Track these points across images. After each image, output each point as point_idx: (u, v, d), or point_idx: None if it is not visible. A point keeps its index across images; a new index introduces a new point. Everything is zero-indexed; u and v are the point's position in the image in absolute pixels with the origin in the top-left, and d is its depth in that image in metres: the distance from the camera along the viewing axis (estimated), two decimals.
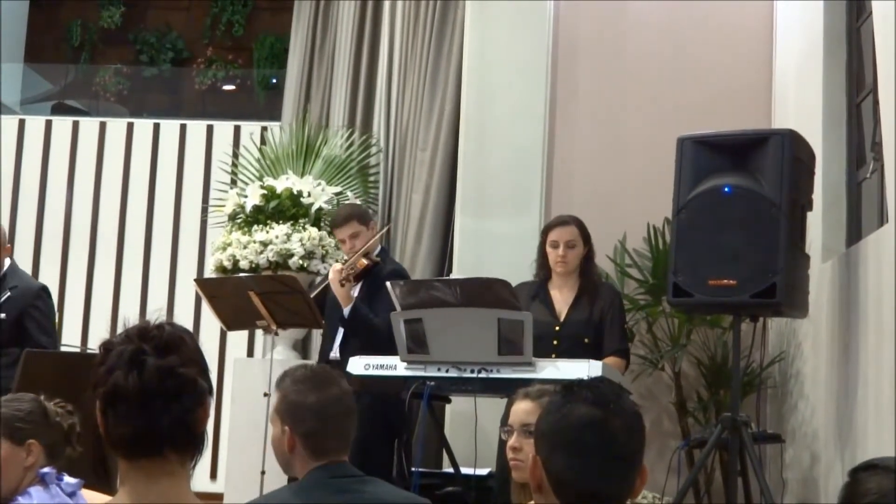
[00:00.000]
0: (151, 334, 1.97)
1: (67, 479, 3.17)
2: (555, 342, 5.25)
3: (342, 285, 5.57)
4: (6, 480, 3.12)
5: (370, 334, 5.53)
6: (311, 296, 5.76)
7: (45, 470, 3.15)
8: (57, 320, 5.90)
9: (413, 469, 5.08)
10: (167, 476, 1.95)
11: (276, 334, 6.08)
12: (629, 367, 5.65)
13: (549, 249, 5.45)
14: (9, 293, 5.38)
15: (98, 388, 1.94)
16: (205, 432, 2.02)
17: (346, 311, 5.61)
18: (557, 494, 2.05)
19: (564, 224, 5.48)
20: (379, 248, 5.99)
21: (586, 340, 5.29)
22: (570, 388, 2.11)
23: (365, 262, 5.70)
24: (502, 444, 5.18)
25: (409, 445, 5.69)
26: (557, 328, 5.33)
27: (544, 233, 5.54)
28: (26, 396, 3.28)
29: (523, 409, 3.32)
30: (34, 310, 5.39)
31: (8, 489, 3.11)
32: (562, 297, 5.44)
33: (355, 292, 5.72)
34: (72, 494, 3.12)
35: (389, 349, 5.01)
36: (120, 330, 2.00)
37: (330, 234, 6.67)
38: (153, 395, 1.92)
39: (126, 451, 1.95)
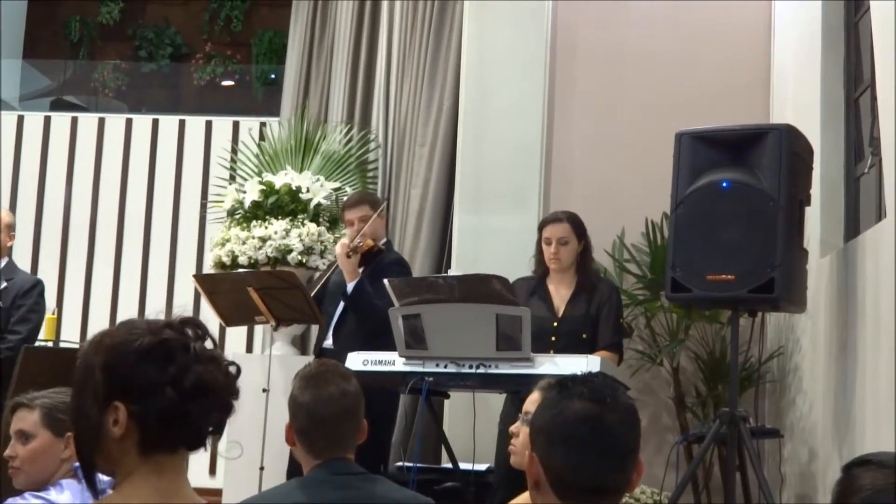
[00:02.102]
0: (201, 331, 1.96)
1: (100, 476, 3.18)
2: (553, 338, 5.25)
3: (348, 257, 5.57)
4: (41, 469, 3.18)
5: (371, 313, 5.50)
6: (312, 294, 5.76)
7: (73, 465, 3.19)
8: (45, 315, 5.91)
9: (411, 465, 5.08)
10: (176, 470, 1.95)
11: (276, 329, 6.08)
12: (624, 360, 5.66)
13: (543, 246, 5.47)
14: (5, 283, 5.42)
15: (158, 386, 1.87)
16: None
17: (351, 286, 5.61)
18: (554, 490, 2.05)
19: (557, 221, 5.49)
20: (385, 239, 6.01)
21: (584, 336, 5.30)
22: (564, 383, 2.11)
23: (371, 242, 5.70)
24: (501, 439, 5.20)
25: (388, 440, 5.72)
26: (555, 324, 5.34)
27: (539, 229, 5.56)
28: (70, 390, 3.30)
29: (532, 399, 3.35)
30: (22, 299, 5.42)
31: (42, 479, 3.16)
32: (560, 294, 5.45)
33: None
34: (102, 492, 3.13)
35: (384, 334, 5.01)
36: (145, 318, 2.00)
37: (329, 229, 6.68)
38: (230, 391, 1.95)
39: (182, 444, 1.93)
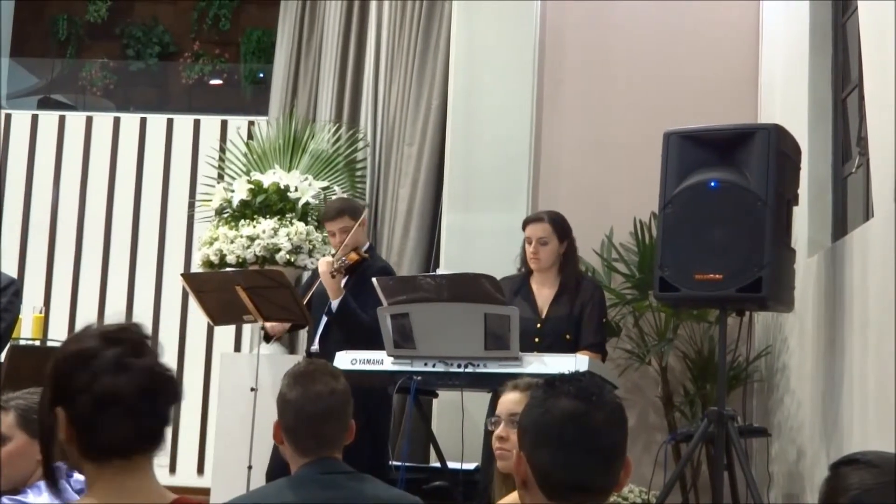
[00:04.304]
0: (122, 339, 1.96)
1: (77, 476, 3.17)
2: (536, 339, 5.24)
3: (332, 276, 5.58)
4: (18, 472, 3.15)
5: (356, 328, 5.53)
6: (306, 301, 5.76)
7: (56, 465, 3.16)
8: (18, 315, 5.86)
9: (399, 464, 5.08)
10: (140, 472, 1.96)
11: (264, 328, 6.08)
12: (612, 360, 5.67)
13: (525, 245, 5.47)
14: None
15: (80, 394, 1.91)
16: None
17: (335, 303, 5.61)
18: (542, 488, 2.06)
19: (537, 221, 5.48)
20: (367, 244, 6.00)
21: (567, 337, 5.30)
22: (551, 382, 2.12)
23: (355, 256, 5.71)
24: (488, 437, 5.20)
25: (385, 438, 5.72)
26: (539, 326, 5.33)
27: (522, 227, 5.56)
28: None
29: (511, 399, 3.34)
30: None
31: (18, 481, 3.13)
32: (543, 294, 5.44)
33: (343, 286, 5.72)
34: (80, 492, 3.11)
35: (371, 345, 5.02)
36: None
37: (317, 228, 6.68)
38: (144, 396, 1.93)
39: (116, 453, 1.94)
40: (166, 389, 1.96)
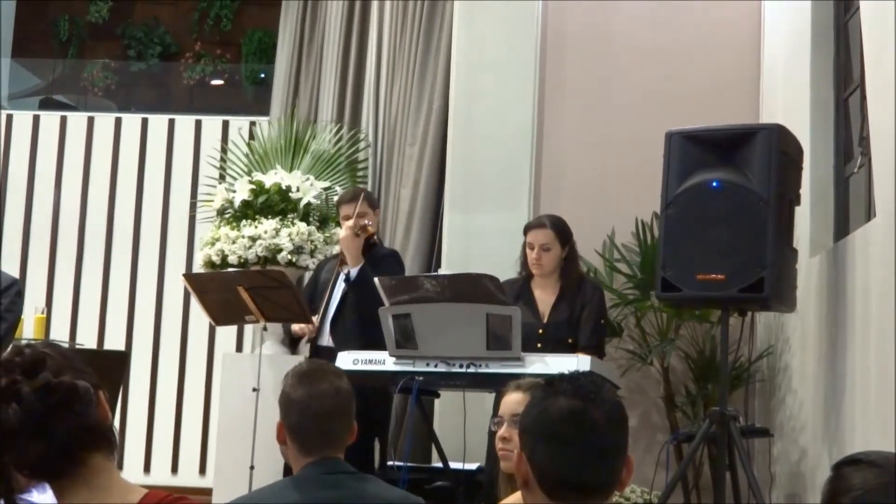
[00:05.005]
0: (14, 363, 1.96)
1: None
2: (539, 345, 5.23)
3: (357, 236, 5.59)
4: None
5: (372, 299, 5.50)
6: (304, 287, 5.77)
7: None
8: (21, 316, 5.84)
9: (401, 464, 5.08)
10: (100, 473, 1.97)
11: (265, 329, 6.09)
12: (614, 360, 5.66)
13: (527, 250, 5.47)
14: None
15: None
16: (112, 424, 2.04)
17: (355, 271, 5.62)
18: (543, 487, 2.06)
19: (540, 227, 5.48)
20: (375, 237, 6.04)
21: (570, 341, 5.29)
22: (551, 382, 2.13)
23: (372, 230, 5.73)
24: (491, 438, 5.20)
25: (386, 439, 5.72)
26: (541, 331, 5.32)
27: (524, 232, 5.55)
28: None
29: (514, 399, 3.35)
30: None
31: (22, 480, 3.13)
32: (544, 298, 5.44)
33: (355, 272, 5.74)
34: None
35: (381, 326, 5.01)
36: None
37: (319, 228, 6.68)
38: (43, 416, 1.93)
39: (44, 475, 1.97)
40: (67, 400, 1.95)
